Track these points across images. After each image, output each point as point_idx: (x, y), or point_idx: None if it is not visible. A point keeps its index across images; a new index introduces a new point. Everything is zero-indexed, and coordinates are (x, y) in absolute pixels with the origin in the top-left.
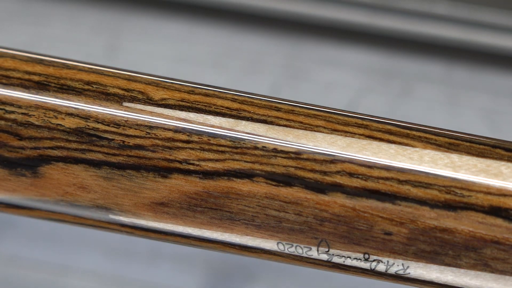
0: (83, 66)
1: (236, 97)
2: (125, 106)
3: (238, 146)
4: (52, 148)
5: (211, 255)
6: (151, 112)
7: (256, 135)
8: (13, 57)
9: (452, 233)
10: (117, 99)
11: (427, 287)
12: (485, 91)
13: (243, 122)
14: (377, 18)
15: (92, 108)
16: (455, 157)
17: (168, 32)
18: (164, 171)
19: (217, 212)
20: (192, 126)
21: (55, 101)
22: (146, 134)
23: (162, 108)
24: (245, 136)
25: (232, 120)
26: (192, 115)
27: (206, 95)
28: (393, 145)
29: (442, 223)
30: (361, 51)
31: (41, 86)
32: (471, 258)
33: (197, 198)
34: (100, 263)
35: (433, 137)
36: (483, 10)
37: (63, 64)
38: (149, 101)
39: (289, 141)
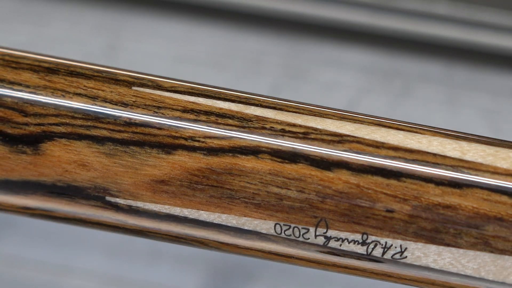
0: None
1: (246, 97)
2: (134, 90)
3: (245, 126)
4: (56, 124)
5: (211, 255)
6: (160, 95)
7: (264, 117)
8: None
9: (455, 210)
10: (126, 84)
11: (422, 276)
12: (485, 91)
13: (252, 107)
14: (377, 18)
15: (101, 89)
16: (464, 143)
17: (168, 32)
18: (168, 148)
19: (218, 189)
20: (201, 107)
21: (64, 82)
22: (154, 113)
23: (171, 93)
24: (254, 118)
25: (241, 105)
26: (201, 99)
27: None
28: (402, 132)
29: (446, 199)
30: (361, 51)
31: (50, 71)
32: (472, 236)
33: (199, 175)
34: (100, 263)
35: (443, 131)
36: (483, 10)
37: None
38: (159, 87)
39: (298, 124)
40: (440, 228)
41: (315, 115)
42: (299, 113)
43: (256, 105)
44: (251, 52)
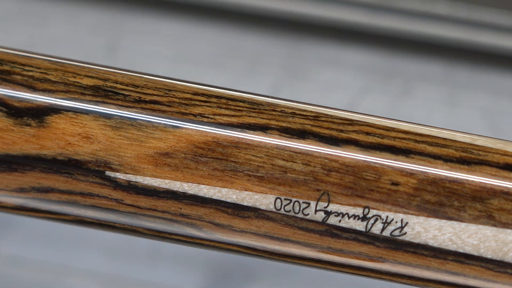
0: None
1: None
2: (146, 77)
3: (256, 108)
4: (65, 99)
5: (211, 255)
6: (171, 82)
7: (275, 103)
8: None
9: (461, 184)
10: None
11: (419, 258)
12: (485, 91)
13: (263, 97)
14: (377, 18)
15: (112, 74)
16: (474, 136)
17: (168, 32)
18: (177, 121)
19: (222, 162)
20: (212, 93)
21: (75, 67)
22: (164, 94)
23: (182, 82)
24: (264, 103)
25: (253, 95)
26: (212, 88)
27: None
28: (411, 123)
29: (454, 174)
30: (361, 51)
31: (61, 58)
32: (476, 209)
33: (204, 148)
34: (100, 263)
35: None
36: (483, 10)
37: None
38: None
39: (309, 109)
40: (444, 201)
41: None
42: (310, 104)
43: (267, 96)
44: (251, 52)
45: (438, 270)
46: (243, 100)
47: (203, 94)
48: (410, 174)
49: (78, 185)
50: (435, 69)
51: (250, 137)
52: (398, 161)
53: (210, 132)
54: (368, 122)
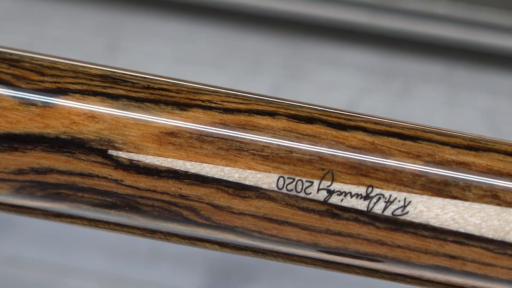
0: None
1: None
2: (146, 75)
3: (264, 99)
4: (73, 83)
5: (211, 255)
6: (176, 81)
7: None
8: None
9: (468, 166)
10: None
11: (418, 239)
12: (485, 91)
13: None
14: (377, 18)
15: (121, 71)
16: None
17: (168, 32)
18: (184, 106)
19: (227, 142)
20: (219, 88)
21: (84, 65)
22: (173, 85)
23: (191, 83)
24: (272, 97)
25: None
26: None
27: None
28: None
29: (461, 158)
30: (361, 51)
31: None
32: (481, 189)
33: (210, 128)
34: (100, 263)
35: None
36: (483, 10)
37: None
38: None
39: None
40: (449, 180)
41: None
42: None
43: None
44: (252, 52)
45: (436, 254)
46: (250, 94)
47: (211, 86)
48: (417, 156)
49: (78, 165)
50: (435, 69)
51: (258, 121)
52: (405, 145)
53: (218, 115)
54: (374, 117)
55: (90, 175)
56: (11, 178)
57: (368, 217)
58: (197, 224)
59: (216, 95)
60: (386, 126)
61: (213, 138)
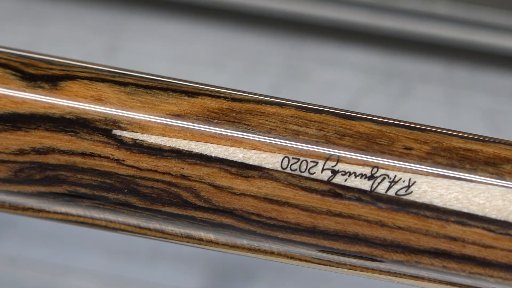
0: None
1: None
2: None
3: (271, 97)
4: (81, 72)
5: (211, 255)
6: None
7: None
8: None
9: (476, 152)
10: None
11: (419, 220)
12: (485, 91)
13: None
14: (377, 18)
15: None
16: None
17: (168, 32)
18: (192, 93)
19: (234, 124)
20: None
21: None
22: (181, 80)
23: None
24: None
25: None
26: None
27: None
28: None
29: (469, 146)
30: (361, 51)
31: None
32: (487, 172)
33: (218, 113)
34: (100, 263)
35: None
36: (483, 10)
37: None
38: None
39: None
40: (456, 163)
41: None
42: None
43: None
44: (251, 52)
45: (437, 235)
46: (254, 93)
47: (215, 88)
48: (425, 142)
49: (80, 144)
50: (435, 69)
51: (266, 108)
52: (413, 133)
53: (226, 102)
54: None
55: (91, 155)
56: (11, 160)
57: (371, 197)
58: (195, 207)
59: (223, 88)
60: (393, 120)
61: (219, 121)
